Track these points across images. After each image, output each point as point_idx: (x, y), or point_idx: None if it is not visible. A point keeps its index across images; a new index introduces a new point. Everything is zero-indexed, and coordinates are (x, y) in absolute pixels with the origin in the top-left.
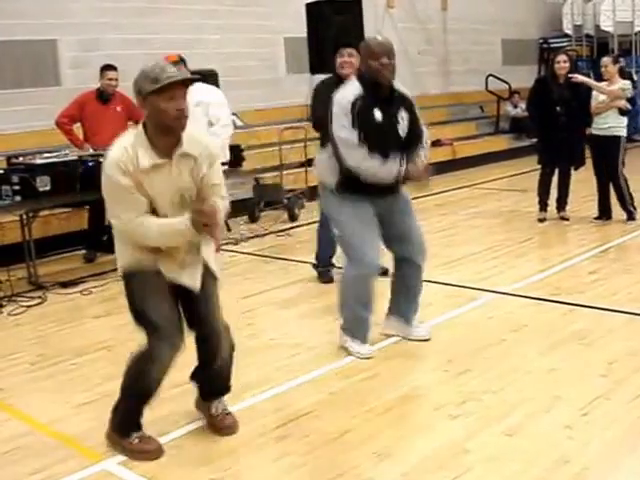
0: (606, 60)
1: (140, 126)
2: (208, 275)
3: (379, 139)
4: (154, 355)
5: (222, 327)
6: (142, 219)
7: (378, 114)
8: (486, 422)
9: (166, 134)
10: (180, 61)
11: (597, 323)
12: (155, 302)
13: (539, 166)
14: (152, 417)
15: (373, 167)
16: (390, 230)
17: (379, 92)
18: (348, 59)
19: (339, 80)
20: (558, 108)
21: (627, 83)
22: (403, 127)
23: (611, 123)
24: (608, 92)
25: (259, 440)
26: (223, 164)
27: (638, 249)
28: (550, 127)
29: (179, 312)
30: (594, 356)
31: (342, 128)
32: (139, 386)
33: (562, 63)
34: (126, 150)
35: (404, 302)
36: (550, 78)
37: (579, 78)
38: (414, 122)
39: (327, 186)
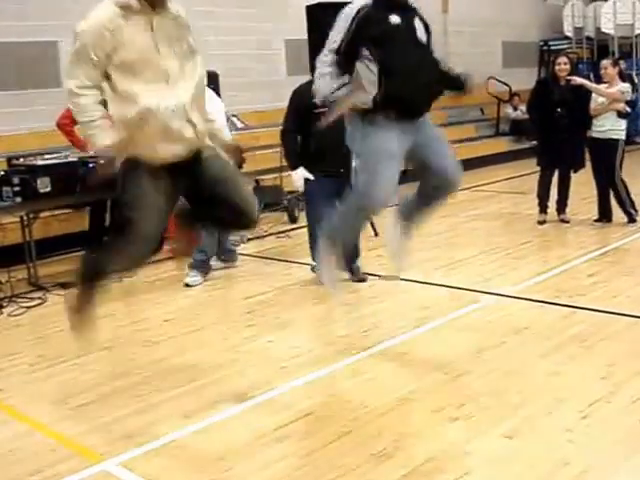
0: (605, 62)
1: None
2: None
3: (399, 47)
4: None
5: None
6: None
7: (395, 18)
8: (486, 424)
9: None
10: None
11: (597, 326)
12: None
13: (539, 168)
14: (152, 418)
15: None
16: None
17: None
18: None
19: None
20: (559, 110)
21: (626, 86)
22: (421, 34)
23: (609, 126)
24: (607, 94)
25: (259, 441)
26: None
27: (638, 252)
28: (550, 129)
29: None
30: (594, 359)
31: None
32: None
33: (563, 65)
34: None
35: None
36: (551, 80)
37: (578, 80)
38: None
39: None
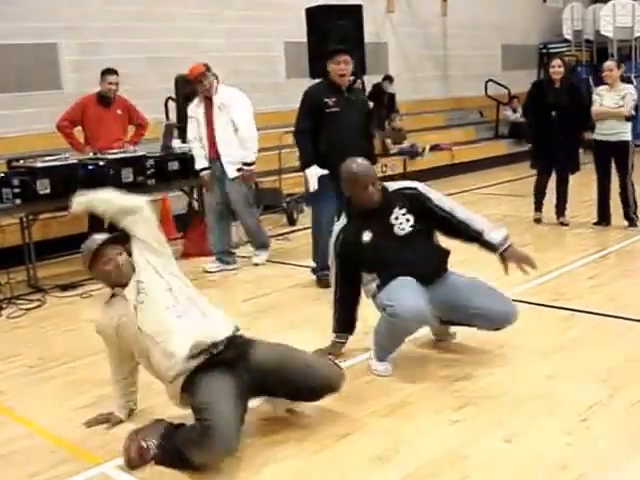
0: (611, 64)
1: None
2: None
3: (380, 255)
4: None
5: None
6: None
7: (367, 235)
8: (485, 428)
9: None
10: (206, 72)
11: (596, 329)
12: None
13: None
14: (148, 421)
15: None
16: None
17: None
18: (345, 67)
19: (332, 86)
20: (554, 113)
21: (630, 87)
22: (401, 225)
23: (617, 129)
24: (627, 113)
25: (257, 444)
26: (248, 164)
27: (638, 255)
28: (546, 131)
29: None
30: (593, 362)
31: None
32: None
33: (557, 67)
34: None
35: None
36: (546, 83)
37: (599, 110)
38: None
39: None
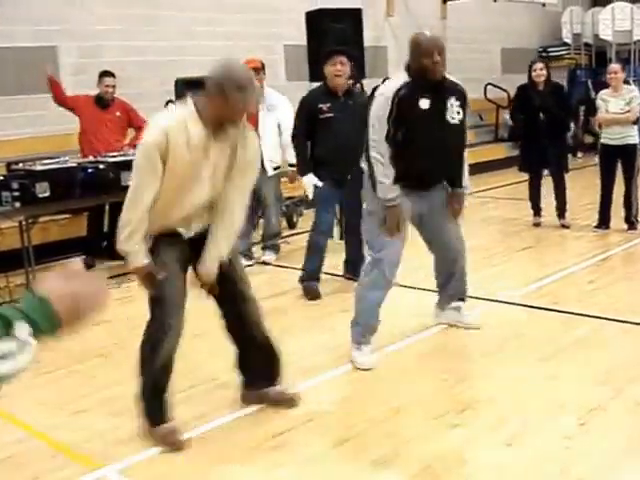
0: (617, 66)
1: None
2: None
3: (425, 129)
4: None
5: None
6: None
7: (425, 102)
8: (485, 431)
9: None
10: (261, 68)
11: (596, 332)
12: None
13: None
14: None
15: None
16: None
17: (427, 82)
18: (341, 68)
19: (329, 90)
20: (541, 115)
21: (634, 89)
22: (452, 114)
23: (625, 132)
24: (632, 117)
25: (256, 449)
26: (292, 165)
27: (638, 258)
28: (533, 134)
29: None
30: (593, 365)
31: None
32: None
33: (539, 70)
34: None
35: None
36: (530, 86)
37: (606, 117)
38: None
39: None
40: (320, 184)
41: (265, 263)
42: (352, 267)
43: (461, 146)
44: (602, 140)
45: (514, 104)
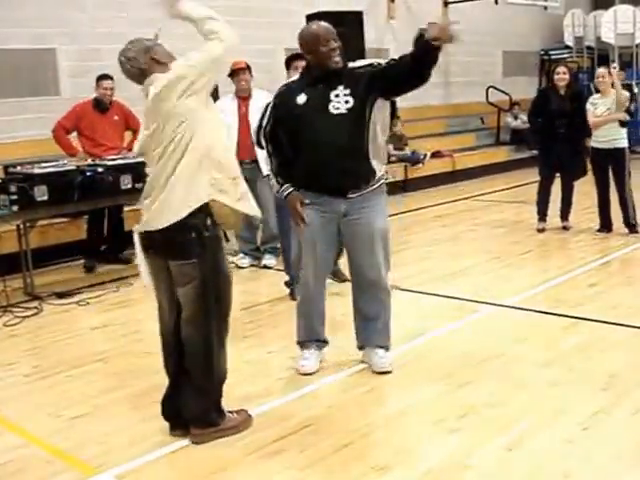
0: (604, 71)
1: None
2: None
3: (304, 125)
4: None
5: None
6: None
7: (302, 97)
8: (486, 436)
9: None
10: (247, 69)
11: (598, 336)
12: None
13: (538, 177)
14: (148, 430)
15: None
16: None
17: (321, 73)
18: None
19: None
20: (557, 120)
21: (625, 93)
22: (338, 103)
23: (614, 135)
24: (622, 117)
25: (256, 454)
26: None
27: (638, 262)
28: (550, 138)
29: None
30: (595, 370)
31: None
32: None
33: (562, 74)
34: None
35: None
36: (551, 90)
37: (596, 120)
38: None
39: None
40: None
41: (266, 267)
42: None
43: (358, 138)
44: (592, 144)
45: (532, 108)
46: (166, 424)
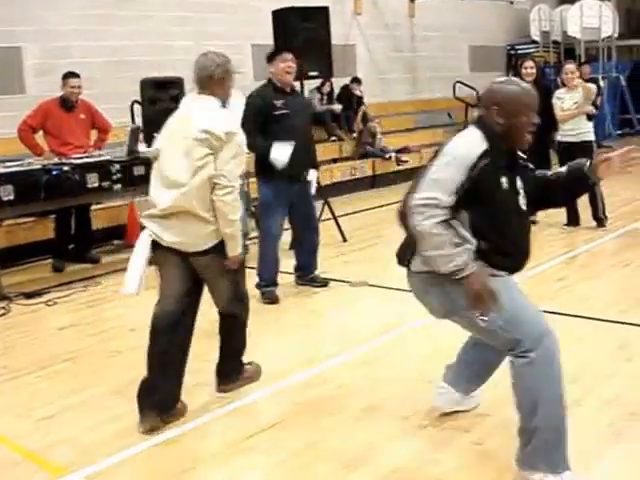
0: (572, 67)
1: None
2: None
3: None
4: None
5: None
6: None
7: (505, 181)
8: (455, 431)
9: None
10: None
11: (566, 330)
12: None
13: None
14: (118, 430)
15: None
16: None
17: (509, 155)
18: (292, 65)
19: (277, 88)
20: None
21: (593, 86)
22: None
23: (581, 129)
24: (589, 110)
25: (226, 452)
26: None
27: (606, 255)
28: None
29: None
30: (564, 363)
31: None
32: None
33: (529, 69)
34: None
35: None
36: None
37: (564, 114)
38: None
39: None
40: (290, 146)
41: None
42: (304, 274)
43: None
44: (559, 137)
45: None
46: (135, 423)
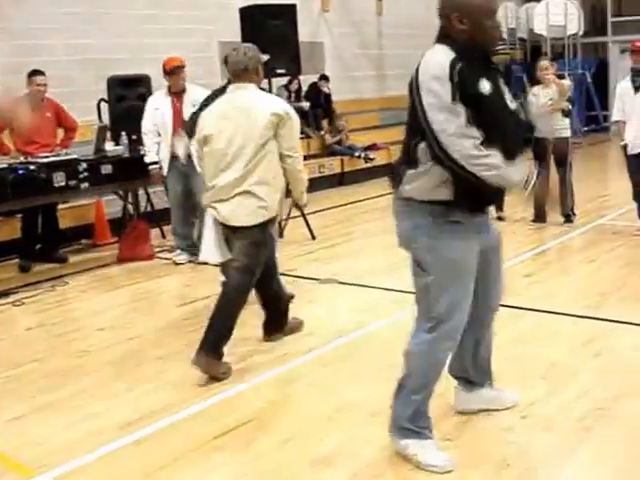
0: (547, 63)
1: None
2: None
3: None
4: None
5: None
6: None
7: (486, 84)
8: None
9: None
10: (183, 66)
11: (536, 325)
12: None
13: None
14: (87, 430)
15: (495, 164)
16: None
17: (483, 60)
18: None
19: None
20: None
21: (568, 82)
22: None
23: (558, 125)
24: (564, 106)
25: (198, 451)
26: None
27: (573, 252)
28: None
29: None
30: (533, 359)
31: (439, 111)
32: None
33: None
34: None
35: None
36: None
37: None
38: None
39: (426, 213)
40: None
41: (205, 263)
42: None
43: None
44: (535, 134)
45: None
46: (105, 424)
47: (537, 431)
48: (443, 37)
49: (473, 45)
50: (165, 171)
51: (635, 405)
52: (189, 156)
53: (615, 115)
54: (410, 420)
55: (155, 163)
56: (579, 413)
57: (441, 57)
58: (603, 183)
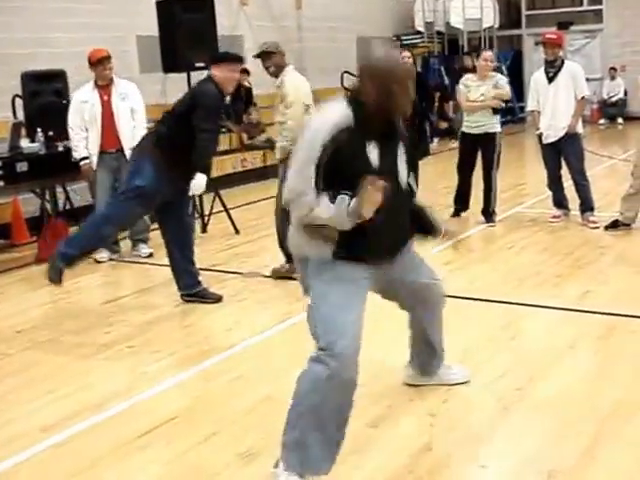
0: (490, 55)
1: None
2: None
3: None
4: None
5: None
6: None
7: (374, 155)
8: (352, 415)
9: None
10: (109, 58)
11: (453, 312)
12: None
13: None
14: (8, 433)
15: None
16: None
17: (379, 125)
18: (239, 77)
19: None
20: None
21: (500, 75)
22: (403, 172)
23: (485, 121)
24: (493, 104)
25: (122, 450)
26: None
27: (492, 239)
28: None
29: None
30: (451, 343)
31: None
32: None
33: (406, 59)
34: None
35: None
36: None
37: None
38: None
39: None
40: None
41: (149, 256)
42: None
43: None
44: (463, 128)
45: None
46: (26, 427)
47: (457, 414)
48: (351, 91)
49: (378, 107)
50: (94, 165)
51: (549, 384)
52: (119, 149)
53: (530, 105)
54: None
55: (85, 158)
56: (498, 394)
57: (331, 111)
58: (520, 172)
